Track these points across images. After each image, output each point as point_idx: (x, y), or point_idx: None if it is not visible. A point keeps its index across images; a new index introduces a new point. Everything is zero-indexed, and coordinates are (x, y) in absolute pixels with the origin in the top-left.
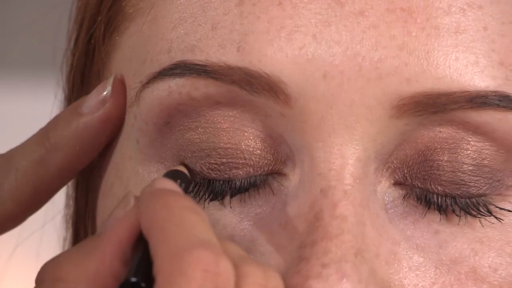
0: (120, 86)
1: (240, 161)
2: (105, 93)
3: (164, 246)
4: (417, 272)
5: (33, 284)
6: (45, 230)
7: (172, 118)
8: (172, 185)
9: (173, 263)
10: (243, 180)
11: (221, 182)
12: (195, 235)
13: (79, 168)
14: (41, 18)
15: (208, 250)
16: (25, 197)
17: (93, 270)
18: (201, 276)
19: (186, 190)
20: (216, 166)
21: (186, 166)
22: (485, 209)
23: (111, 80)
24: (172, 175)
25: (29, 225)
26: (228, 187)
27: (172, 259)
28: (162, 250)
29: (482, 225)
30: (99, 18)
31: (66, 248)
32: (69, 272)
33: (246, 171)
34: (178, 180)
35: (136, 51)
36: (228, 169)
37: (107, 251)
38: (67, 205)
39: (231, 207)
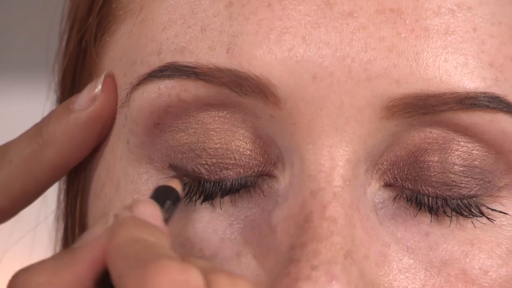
0: (111, 84)
1: (231, 162)
2: (96, 90)
3: (127, 266)
4: (407, 274)
5: None
6: (38, 231)
7: (162, 119)
8: (150, 212)
9: (138, 276)
10: (233, 181)
11: (212, 183)
12: (157, 251)
13: (70, 165)
14: (33, 19)
15: (173, 260)
16: (16, 191)
17: (66, 285)
18: (168, 285)
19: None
20: (206, 166)
21: (176, 169)
22: (477, 210)
23: (102, 78)
24: (162, 193)
25: (21, 225)
26: (219, 188)
27: (136, 273)
28: (124, 269)
29: (474, 226)
30: (90, 20)
31: (58, 249)
32: (41, 285)
33: (237, 171)
34: (168, 201)
35: (126, 52)
36: (218, 170)
37: (81, 269)
38: (58, 206)
39: (221, 208)
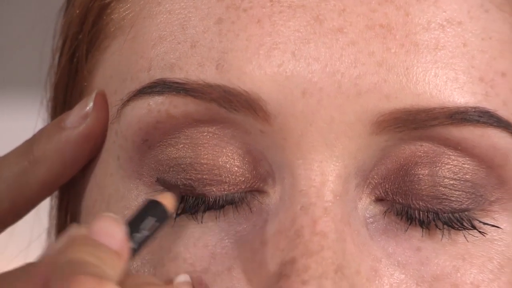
0: (102, 102)
1: (215, 178)
2: (87, 108)
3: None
4: None
5: None
6: (31, 250)
7: (150, 135)
8: (106, 229)
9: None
10: (217, 198)
11: (194, 198)
12: (85, 268)
13: (60, 183)
14: (26, 35)
15: (92, 277)
16: (5, 208)
17: None
18: None
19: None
20: (191, 182)
21: (163, 183)
22: (469, 224)
23: (93, 96)
24: (147, 208)
25: (15, 243)
26: (202, 203)
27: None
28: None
29: (466, 240)
30: (81, 37)
31: None
32: None
33: (221, 188)
34: (149, 218)
35: (117, 69)
36: (202, 186)
37: (30, 285)
38: (50, 223)
39: (202, 222)
